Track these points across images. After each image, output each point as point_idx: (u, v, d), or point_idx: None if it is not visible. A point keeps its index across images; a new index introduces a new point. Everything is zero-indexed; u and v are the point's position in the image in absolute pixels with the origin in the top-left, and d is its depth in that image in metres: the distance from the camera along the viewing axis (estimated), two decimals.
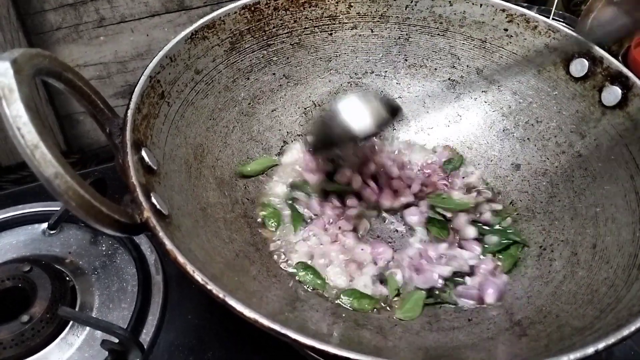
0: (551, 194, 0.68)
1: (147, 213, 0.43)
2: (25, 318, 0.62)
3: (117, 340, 0.61)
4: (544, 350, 0.45)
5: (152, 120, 0.55)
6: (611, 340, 0.40)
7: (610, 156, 0.63)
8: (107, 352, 0.62)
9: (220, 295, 0.39)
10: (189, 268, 0.40)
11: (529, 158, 0.71)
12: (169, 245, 0.42)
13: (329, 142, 0.63)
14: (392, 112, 0.62)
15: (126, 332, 0.61)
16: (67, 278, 0.69)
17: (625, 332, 0.41)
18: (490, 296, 0.59)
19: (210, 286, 0.40)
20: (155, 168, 0.51)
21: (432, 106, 0.79)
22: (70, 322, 0.65)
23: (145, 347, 0.63)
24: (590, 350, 0.39)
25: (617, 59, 0.91)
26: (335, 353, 0.37)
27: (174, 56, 0.61)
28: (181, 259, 0.41)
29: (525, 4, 1.03)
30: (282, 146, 0.74)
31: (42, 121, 0.88)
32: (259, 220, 0.66)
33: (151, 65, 0.57)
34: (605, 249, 0.57)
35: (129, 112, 0.51)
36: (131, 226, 0.42)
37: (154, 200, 0.46)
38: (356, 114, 0.60)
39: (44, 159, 0.37)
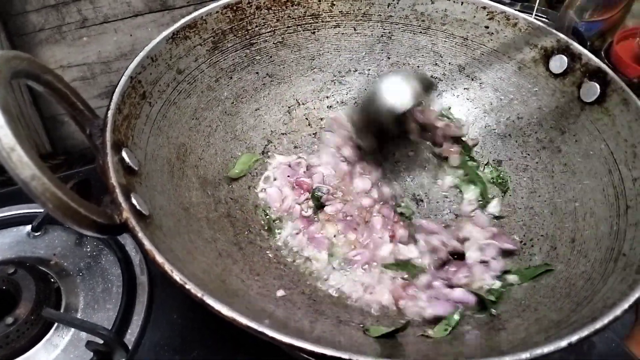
0: (531, 189, 0.68)
1: (127, 214, 0.43)
2: (9, 320, 0.62)
3: (101, 341, 0.62)
4: (521, 343, 0.46)
5: (133, 120, 0.55)
6: (584, 333, 0.41)
7: (589, 151, 0.64)
8: (92, 353, 0.62)
9: (199, 295, 0.40)
10: (167, 267, 0.41)
11: (510, 154, 0.72)
12: (147, 245, 0.42)
13: (372, 121, 0.68)
14: (427, 87, 0.68)
15: (111, 332, 0.62)
16: (52, 280, 0.69)
17: (598, 324, 0.41)
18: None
19: (189, 285, 0.40)
20: (136, 169, 0.51)
21: None
22: (55, 324, 0.65)
23: (129, 347, 0.63)
24: (563, 343, 0.40)
25: (599, 54, 0.93)
26: (312, 350, 0.37)
27: (155, 56, 0.61)
28: (159, 258, 0.41)
29: (509, 1, 1.04)
30: (266, 145, 0.74)
31: (27, 123, 0.88)
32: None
33: (132, 66, 0.57)
34: (583, 243, 0.58)
35: (109, 113, 0.51)
36: (110, 227, 0.42)
37: (133, 200, 0.46)
38: (395, 92, 0.65)
39: (20, 161, 0.37)
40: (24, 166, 0.37)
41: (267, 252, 0.63)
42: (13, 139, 0.37)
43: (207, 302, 0.39)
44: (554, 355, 0.64)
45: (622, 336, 0.68)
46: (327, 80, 0.79)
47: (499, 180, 0.71)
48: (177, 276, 0.40)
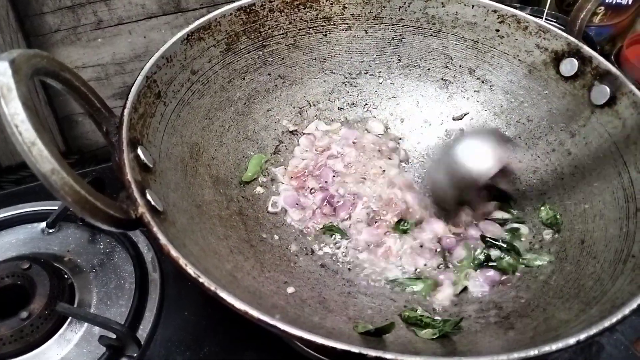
0: (541, 191, 0.69)
1: (142, 209, 0.44)
2: (24, 314, 0.63)
3: (114, 336, 0.63)
4: (529, 342, 0.46)
5: (149, 119, 0.56)
6: (593, 330, 0.41)
7: (599, 154, 0.64)
8: (104, 348, 0.63)
9: (212, 288, 0.40)
10: (182, 262, 0.41)
11: (520, 156, 0.72)
12: (162, 239, 0.43)
13: (450, 191, 0.62)
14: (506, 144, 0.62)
15: (123, 327, 0.62)
16: (66, 276, 0.71)
17: (607, 323, 0.42)
18: None
19: (202, 279, 0.41)
20: (151, 166, 0.52)
21: (426, 106, 0.80)
22: (69, 319, 0.66)
23: (142, 342, 0.64)
24: (572, 340, 0.40)
25: (609, 58, 0.93)
26: (322, 343, 0.38)
27: (170, 57, 0.62)
28: (174, 252, 0.42)
29: (519, 5, 1.05)
30: (277, 145, 0.75)
31: (42, 122, 0.89)
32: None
33: (147, 66, 0.58)
34: (593, 245, 0.58)
35: (126, 111, 0.52)
36: (126, 221, 0.43)
37: (148, 196, 0.47)
38: (475, 156, 0.60)
39: (40, 156, 0.38)
40: (44, 160, 0.38)
41: (278, 249, 0.64)
42: (34, 134, 0.38)
43: (220, 295, 0.40)
44: (563, 356, 0.65)
45: (631, 339, 0.68)
46: (338, 82, 0.80)
47: (553, 221, 0.65)
48: (191, 270, 0.41)
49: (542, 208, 0.67)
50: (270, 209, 0.69)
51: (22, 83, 0.39)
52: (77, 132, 0.97)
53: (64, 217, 0.76)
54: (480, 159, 0.60)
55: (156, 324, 0.67)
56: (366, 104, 0.80)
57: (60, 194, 0.39)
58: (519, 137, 0.73)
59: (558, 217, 0.65)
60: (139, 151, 0.51)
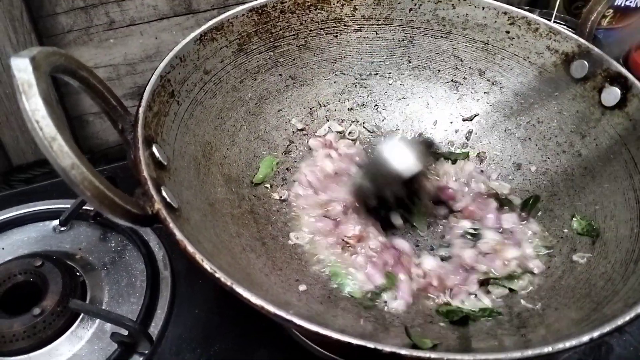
0: (552, 192, 0.69)
1: (158, 205, 0.45)
2: (37, 311, 0.64)
3: (126, 333, 0.63)
4: (541, 340, 0.46)
5: (163, 118, 0.57)
6: (606, 329, 0.41)
7: (610, 155, 0.64)
8: (116, 345, 0.63)
9: (228, 283, 0.41)
10: (198, 257, 0.42)
11: (530, 157, 0.73)
12: (179, 235, 0.43)
13: (376, 185, 0.67)
14: (428, 148, 0.69)
15: (135, 324, 0.63)
16: (78, 273, 0.71)
17: (620, 321, 0.42)
18: None
19: (219, 274, 0.41)
20: (165, 163, 0.53)
21: (436, 107, 0.80)
22: (81, 316, 0.66)
23: (154, 339, 0.65)
24: (585, 338, 0.40)
25: (618, 61, 0.93)
26: (338, 338, 0.38)
27: (183, 57, 0.62)
28: (191, 248, 0.42)
29: (527, 7, 1.05)
30: (287, 145, 0.76)
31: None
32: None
33: (162, 65, 0.59)
34: (603, 245, 0.58)
35: (141, 110, 0.53)
36: (142, 217, 0.44)
37: (164, 193, 0.47)
38: (400, 156, 0.65)
39: (61, 151, 0.38)
40: (65, 155, 0.39)
41: (289, 247, 0.64)
42: (54, 129, 0.38)
43: (236, 290, 0.40)
44: (573, 357, 0.65)
45: None
46: (348, 83, 0.80)
47: (589, 229, 0.63)
48: (207, 265, 0.42)
49: (574, 220, 0.65)
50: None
51: (42, 79, 0.40)
52: (88, 131, 0.98)
53: (76, 216, 0.77)
54: (403, 160, 0.65)
55: (167, 322, 0.67)
56: (376, 105, 0.81)
57: (80, 188, 0.39)
58: (529, 139, 0.73)
59: (593, 223, 0.63)
60: (154, 149, 0.52)
